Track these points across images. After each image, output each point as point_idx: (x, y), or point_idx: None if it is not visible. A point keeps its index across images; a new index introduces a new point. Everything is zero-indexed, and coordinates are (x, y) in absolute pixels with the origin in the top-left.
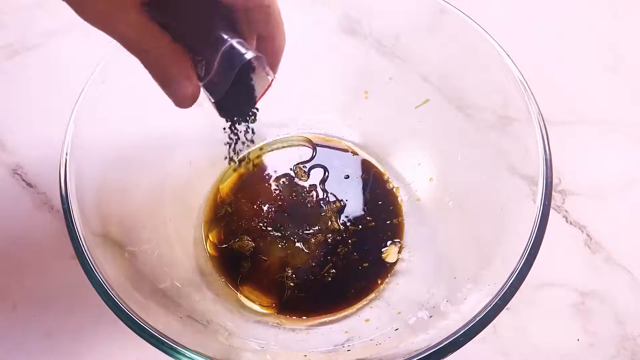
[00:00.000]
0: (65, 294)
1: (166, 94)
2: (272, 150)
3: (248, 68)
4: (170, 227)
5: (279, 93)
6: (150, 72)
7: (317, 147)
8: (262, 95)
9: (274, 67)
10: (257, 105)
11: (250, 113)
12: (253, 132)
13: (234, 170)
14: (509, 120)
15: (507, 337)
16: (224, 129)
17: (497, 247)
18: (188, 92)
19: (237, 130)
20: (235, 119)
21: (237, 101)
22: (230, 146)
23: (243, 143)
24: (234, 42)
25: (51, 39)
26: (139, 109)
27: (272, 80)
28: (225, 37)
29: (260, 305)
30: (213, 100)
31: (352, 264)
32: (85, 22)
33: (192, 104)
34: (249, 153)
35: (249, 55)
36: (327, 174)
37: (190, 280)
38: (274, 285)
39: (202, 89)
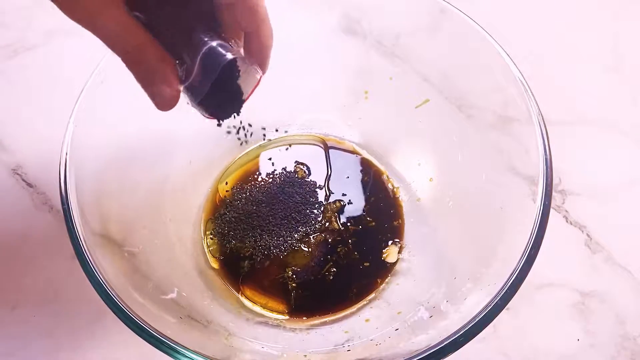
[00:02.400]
0: (65, 293)
1: (147, 94)
2: (274, 148)
3: (232, 69)
4: (170, 227)
5: (280, 93)
6: (131, 72)
7: (327, 148)
8: (251, 93)
9: (262, 64)
10: (249, 106)
11: (234, 114)
12: (248, 128)
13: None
14: (509, 120)
15: (507, 337)
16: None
17: (497, 247)
18: (167, 95)
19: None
20: (218, 118)
21: (220, 101)
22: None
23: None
24: (214, 43)
25: (51, 39)
26: (139, 109)
27: (260, 78)
28: (206, 39)
29: (271, 310)
30: (191, 104)
31: (353, 264)
32: None
33: (172, 107)
34: (252, 150)
35: (229, 56)
36: (330, 172)
37: (190, 280)
38: (275, 286)
39: (182, 93)
